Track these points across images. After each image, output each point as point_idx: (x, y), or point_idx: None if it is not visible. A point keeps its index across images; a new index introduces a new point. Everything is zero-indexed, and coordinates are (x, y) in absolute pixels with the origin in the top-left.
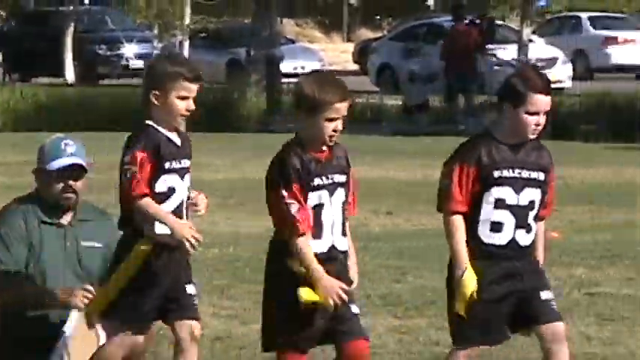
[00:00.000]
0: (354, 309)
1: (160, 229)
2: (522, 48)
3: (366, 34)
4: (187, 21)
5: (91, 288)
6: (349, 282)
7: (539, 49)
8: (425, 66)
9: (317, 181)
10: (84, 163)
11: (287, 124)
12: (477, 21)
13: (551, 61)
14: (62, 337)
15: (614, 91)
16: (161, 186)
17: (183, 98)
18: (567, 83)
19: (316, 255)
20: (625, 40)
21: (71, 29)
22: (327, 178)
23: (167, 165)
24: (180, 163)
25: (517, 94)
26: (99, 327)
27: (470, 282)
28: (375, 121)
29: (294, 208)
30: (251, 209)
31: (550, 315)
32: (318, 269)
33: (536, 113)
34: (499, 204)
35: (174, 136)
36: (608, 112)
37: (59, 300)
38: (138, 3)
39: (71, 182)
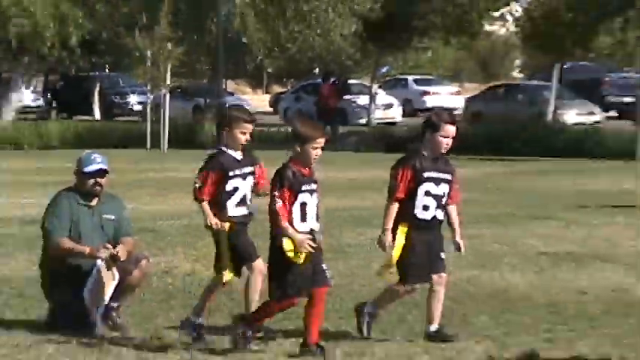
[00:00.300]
0: (325, 266)
1: (234, 211)
2: (372, 97)
3: (277, 89)
4: (168, 81)
5: (109, 245)
6: (318, 243)
7: (382, 98)
8: (306, 108)
9: (304, 187)
10: (107, 168)
11: None
12: (337, 81)
13: (389, 105)
14: (93, 273)
15: None
16: (229, 187)
17: (243, 133)
18: (399, 119)
19: (303, 232)
20: (434, 93)
21: (97, 86)
22: (309, 186)
23: (231, 173)
24: (241, 170)
25: (435, 124)
26: (115, 270)
27: (390, 246)
28: (284, 143)
29: (278, 203)
30: None
31: (441, 269)
32: (293, 232)
33: (447, 137)
34: (427, 194)
35: (237, 154)
36: None
37: (89, 253)
38: (138, 71)
39: (98, 180)
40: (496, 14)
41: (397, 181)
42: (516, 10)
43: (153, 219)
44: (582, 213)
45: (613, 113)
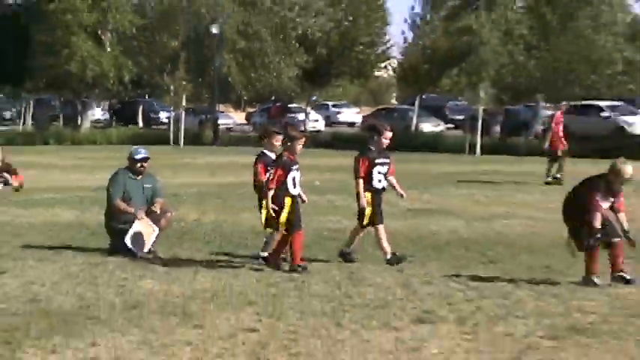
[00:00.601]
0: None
1: (293, 191)
2: (306, 114)
3: (249, 109)
4: (183, 104)
5: (143, 210)
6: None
7: (312, 115)
8: (266, 121)
9: (292, 167)
10: (148, 156)
11: (222, 145)
12: (279, 104)
13: (317, 120)
14: (132, 226)
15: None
16: (291, 182)
17: (277, 141)
18: (322, 129)
19: (295, 194)
20: (344, 112)
21: (141, 107)
22: (295, 166)
23: (269, 168)
24: (294, 165)
25: (380, 131)
26: (154, 225)
27: (367, 204)
28: (255, 143)
29: (270, 176)
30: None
31: (381, 220)
32: (270, 198)
33: (387, 138)
34: (379, 171)
35: (273, 155)
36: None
37: (132, 212)
38: (165, 98)
39: (143, 163)
40: (381, 65)
41: (359, 166)
42: (393, 63)
43: (175, 187)
44: (433, 185)
45: (451, 125)
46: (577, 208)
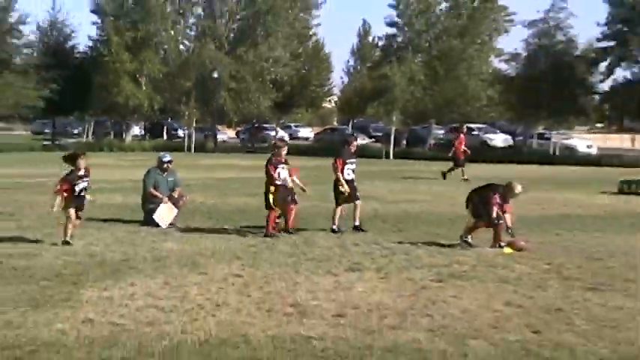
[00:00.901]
0: (292, 196)
1: (278, 181)
2: (276, 132)
3: (238, 128)
4: (194, 125)
5: (166, 196)
6: (291, 189)
7: (280, 133)
8: (249, 137)
9: (279, 165)
10: (171, 159)
11: (219, 152)
12: (258, 125)
13: (283, 136)
14: (160, 207)
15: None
16: (279, 176)
17: (282, 153)
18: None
19: (277, 185)
20: (302, 130)
21: (165, 126)
22: (281, 165)
23: (278, 167)
24: (281, 164)
25: (349, 142)
26: (174, 207)
27: (344, 188)
28: (243, 153)
29: (274, 172)
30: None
31: (358, 198)
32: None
33: (354, 147)
34: (349, 168)
35: (282, 160)
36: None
37: (161, 197)
38: (182, 120)
39: (168, 164)
40: (327, 99)
41: (337, 165)
42: (335, 98)
43: (188, 180)
44: (360, 180)
45: (373, 139)
46: (480, 201)
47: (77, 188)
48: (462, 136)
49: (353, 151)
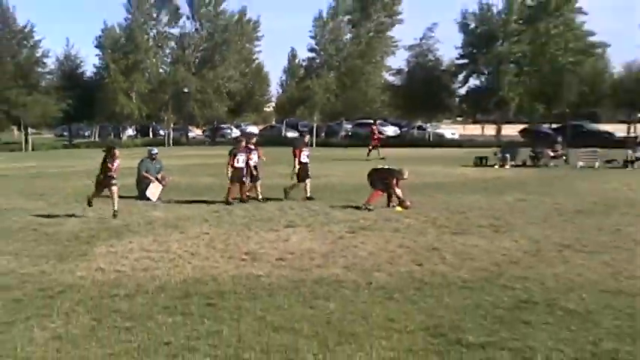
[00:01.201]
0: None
1: (237, 164)
2: (231, 130)
3: (204, 128)
4: (172, 126)
5: (156, 177)
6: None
7: (235, 131)
8: (213, 136)
9: (238, 154)
10: (157, 152)
11: (190, 145)
12: (217, 125)
13: (236, 133)
14: (150, 186)
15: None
16: (237, 161)
17: (241, 145)
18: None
19: (236, 167)
20: (251, 127)
21: (151, 128)
22: (241, 153)
23: (237, 155)
24: (242, 155)
25: (303, 136)
26: (160, 185)
27: (296, 169)
28: (208, 146)
29: (233, 159)
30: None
31: (308, 177)
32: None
33: (306, 139)
34: (304, 154)
35: (245, 149)
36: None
37: (152, 179)
38: (163, 124)
39: (155, 155)
40: (267, 105)
41: (296, 151)
42: (273, 104)
43: (170, 166)
44: (339, 166)
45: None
46: (378, 178)
47: (112, 171)
48: (374, 127)
49: (306, 141)
